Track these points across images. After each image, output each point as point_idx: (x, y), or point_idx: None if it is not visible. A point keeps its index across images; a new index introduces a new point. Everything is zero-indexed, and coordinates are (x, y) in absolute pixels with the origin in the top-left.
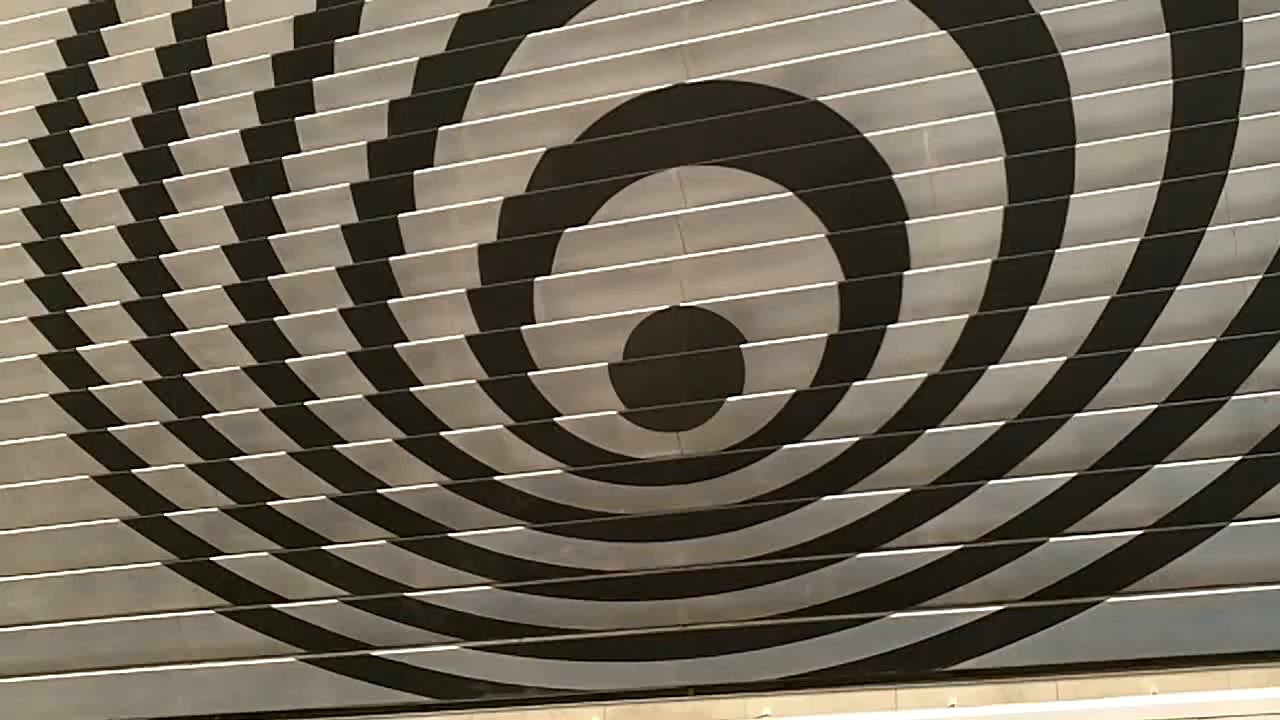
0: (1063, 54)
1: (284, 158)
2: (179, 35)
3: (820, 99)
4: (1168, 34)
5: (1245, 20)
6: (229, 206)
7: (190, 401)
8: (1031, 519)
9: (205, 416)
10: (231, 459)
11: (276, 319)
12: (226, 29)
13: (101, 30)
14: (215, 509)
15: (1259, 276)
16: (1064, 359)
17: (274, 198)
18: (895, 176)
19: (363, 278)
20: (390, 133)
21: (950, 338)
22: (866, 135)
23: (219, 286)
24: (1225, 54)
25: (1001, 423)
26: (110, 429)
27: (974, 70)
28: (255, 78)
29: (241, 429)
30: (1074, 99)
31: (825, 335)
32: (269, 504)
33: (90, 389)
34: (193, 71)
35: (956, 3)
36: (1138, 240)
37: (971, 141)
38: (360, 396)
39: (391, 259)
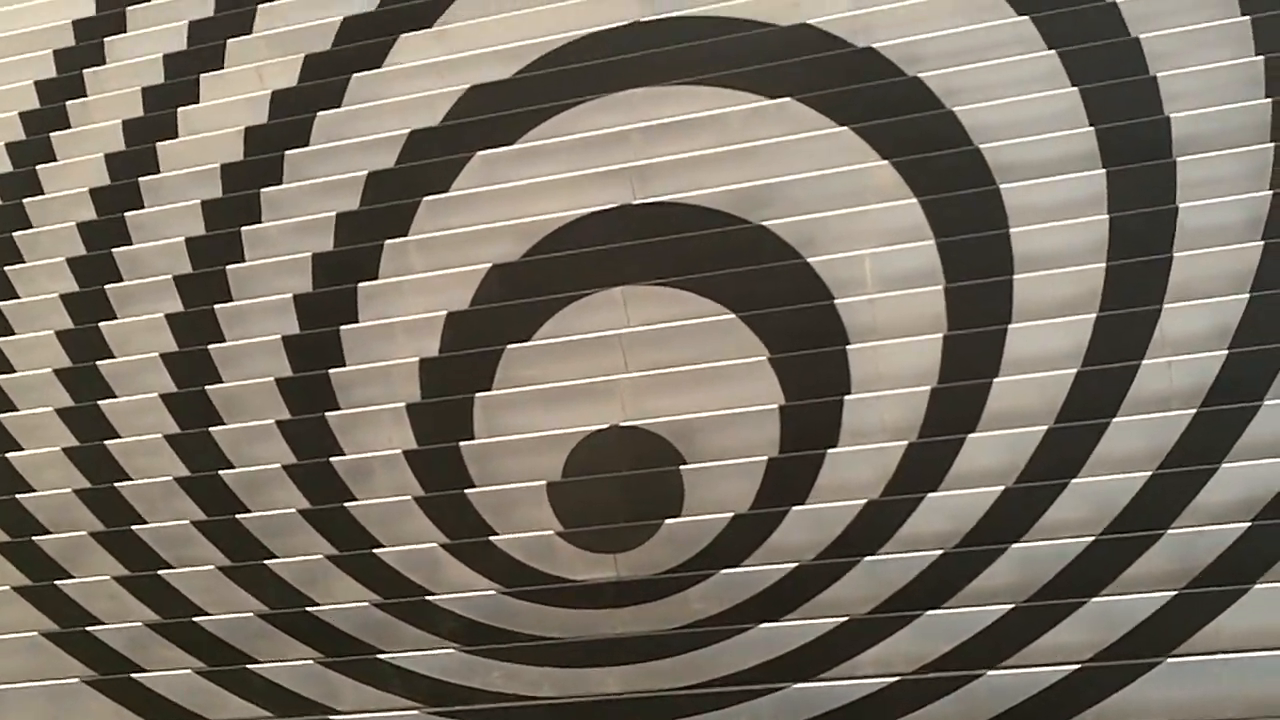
0: (1001, 186)
1: (228, 266)
2: (129, 142)
3: (764, 223)
4: (1104, 170)
5: (1179, 159)
6: (170, 314)
7: (119, 511)
8: (969, 651)
9: (134, 527)
10: (158, 571)
11: (212, 429)
12: (177, 137)
13: (51, 135)
14: (139, 623)
15: (1194, 410)
16: (1002, 488)
17: (216, 306)
18: (836, 301)
19: (301, 389)
20: (336, 244)
21: (889, 463)
22: (809, 260)
23: (155, 394)
24: (1160, 191)
25: (940, 551)
26: (35, 538)
27: (914, 200)
28: (203, 186)
29: (170, 541)
30: (1012, 230)
31: (765, 458)
32: (194, 619)
33: (17, 496)
34: (140, 178)
35: (897, 134)
36: (1075, 371)
37: (912, 269)
38: (293, 510)
39: (331, 370)
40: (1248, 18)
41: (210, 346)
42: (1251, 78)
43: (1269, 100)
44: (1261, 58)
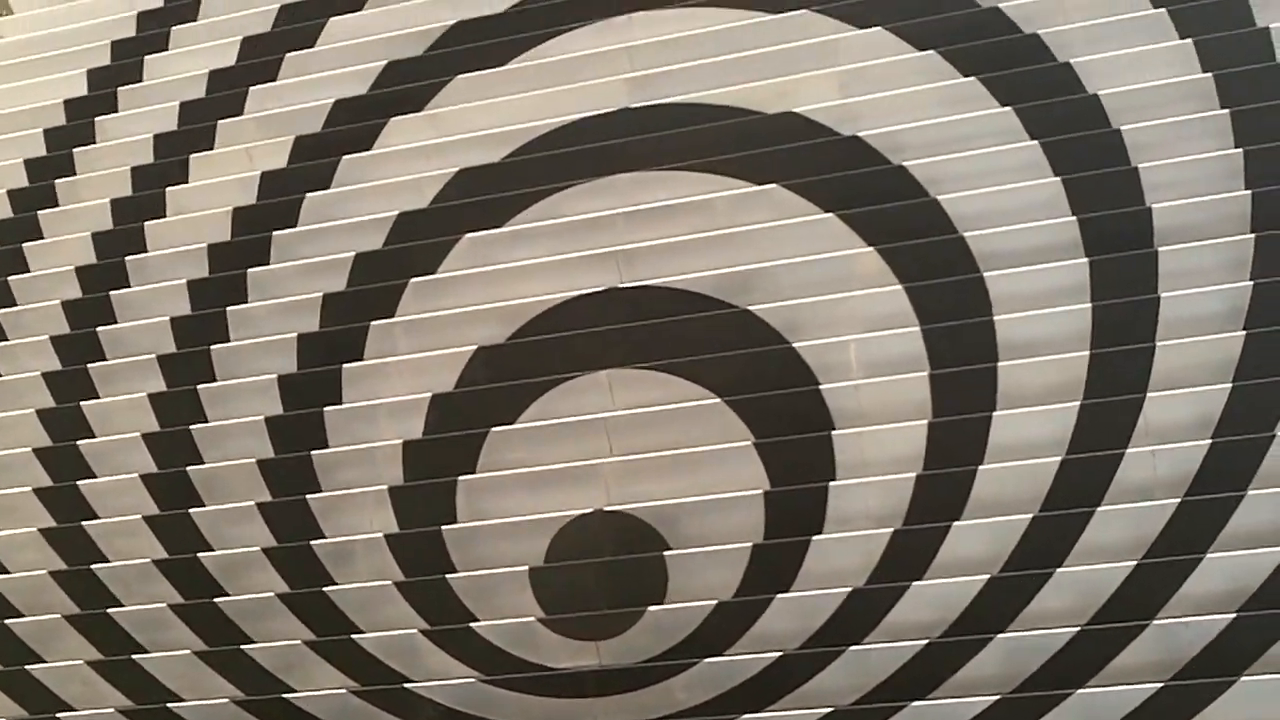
0: (985, 274)
1: (212, 346)
2: (116, 221)
3: (750, 308)
4: (1086, 259)
5: (1160, 249)
6: (152, 393)
7: (95, 594)
8: None
9: (109, 610)
10: (133, 656)
11: (191, 510)
12: (165, 216)
13: (39, 213)
14: (111, 709)
15: (1178, 500)
16: (987, 577)
17: (199, 386)
18: (822, 386)
19: (283, 471)
20: (322, 325)
21: (875, 550)
22: (794, 345)
23: (135, 475)
24: (1142, 280)
25: (925, 641)
26: (8, 620)
27: (899, 286)
28: (190, 266)
29: (146, 624)
30: (996, 317)
31: (749, 544)
32: (168, 705)
33: None
34: (127, 257)
35: (883, 221)
36: (1059, 459)
37: (897, 355)
38: (272, 594)
39: (314, 452)
40: (1227, 111)
41: (192, 427)
42: (1231, 170)
43: (1248, 192)
44: (1241, 150)
